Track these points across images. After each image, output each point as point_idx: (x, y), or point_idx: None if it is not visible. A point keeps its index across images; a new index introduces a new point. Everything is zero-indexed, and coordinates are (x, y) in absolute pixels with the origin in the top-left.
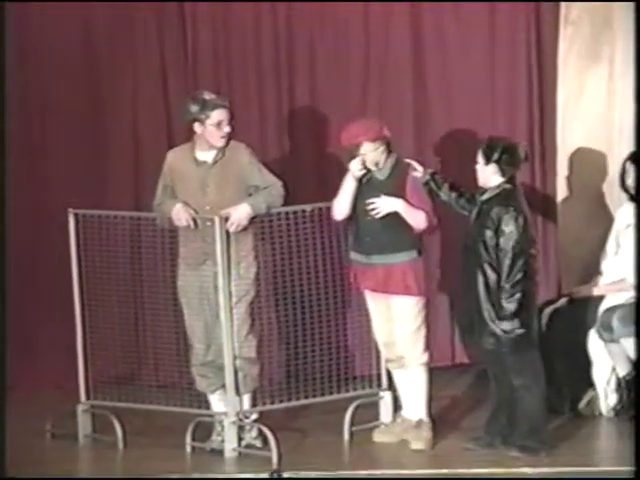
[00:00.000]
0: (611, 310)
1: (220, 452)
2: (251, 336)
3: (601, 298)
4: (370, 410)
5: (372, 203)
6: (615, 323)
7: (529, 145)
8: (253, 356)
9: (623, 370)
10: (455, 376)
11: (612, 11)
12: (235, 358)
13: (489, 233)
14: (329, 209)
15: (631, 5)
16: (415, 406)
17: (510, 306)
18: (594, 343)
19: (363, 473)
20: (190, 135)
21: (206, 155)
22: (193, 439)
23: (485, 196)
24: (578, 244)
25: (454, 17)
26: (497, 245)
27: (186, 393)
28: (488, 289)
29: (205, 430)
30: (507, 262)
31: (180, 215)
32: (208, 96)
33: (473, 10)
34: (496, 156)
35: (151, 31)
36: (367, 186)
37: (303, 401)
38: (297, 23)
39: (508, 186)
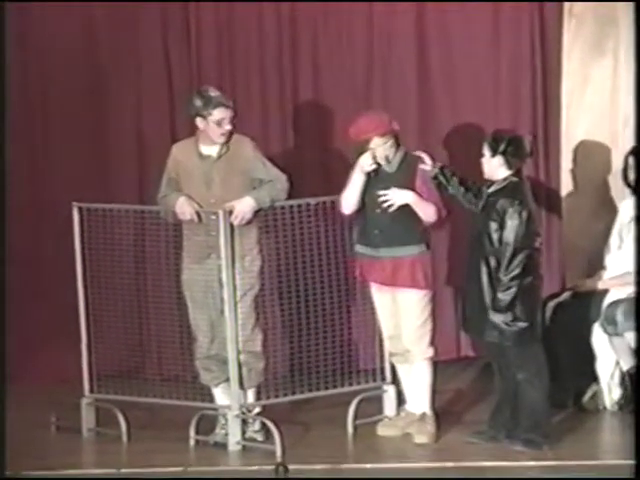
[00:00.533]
0: (615, 304)
1: (224, 445)
2: (257, 330)
3: (605, 292)
4: (374, 404)
5: (383, 195)
6: (619, 317)
7: (533, 139)
8: (258, 350)
9: (627, 364)
10: (459, 370)
11: (616, 4)
12: (239, 352)
13: (494, 225)
14: (333, 203)
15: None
16: (419, 400)
17: (505, 298)
18: (598, 337)
19: (367, 466)
20: (193, 129)
21: (210, 149)
22: (197, 432)
23: (492, 189)
24: (582, 237)
25: (458, 11)
26: (500, 238)
27: (190, 386)
28: (491, 281)
29: (209, 423)
30: (507, 255)
31: (184, 209)
32: (213, 93)
33: (477, 4)
34: (502, 148)
35: (155, 24)
36: (375, 180)
37: (307, 394)
38: (301, 17)
39: (515, 179)
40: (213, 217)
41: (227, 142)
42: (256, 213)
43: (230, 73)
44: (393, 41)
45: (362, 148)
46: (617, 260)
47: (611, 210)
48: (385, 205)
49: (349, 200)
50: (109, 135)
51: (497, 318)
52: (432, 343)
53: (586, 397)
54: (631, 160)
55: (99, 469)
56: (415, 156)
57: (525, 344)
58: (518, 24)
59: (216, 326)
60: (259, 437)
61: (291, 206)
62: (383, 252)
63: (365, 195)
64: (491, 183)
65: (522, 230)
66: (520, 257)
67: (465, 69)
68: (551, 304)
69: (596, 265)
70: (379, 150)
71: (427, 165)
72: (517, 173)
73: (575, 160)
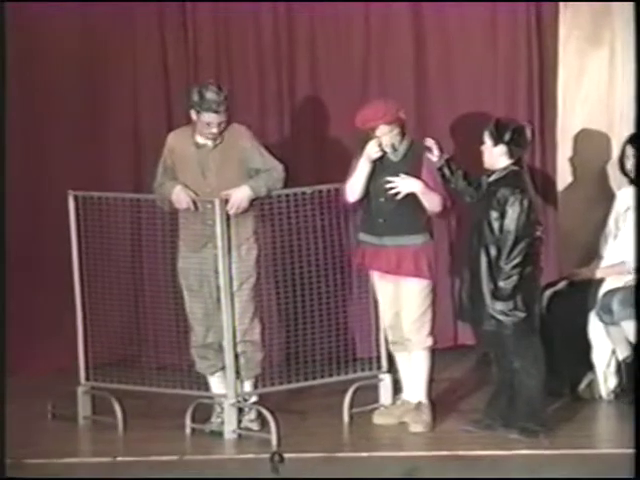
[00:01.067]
0: (611, 293)
1: (220, 434)
2: (256, 321)
3: (601, 281)
4: (370, 392)
5: (390, 182)
6: (615, 306)
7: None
8: (257, 339)
9: (623, 353)
10: (456, 358)
11: None
12: (236, 342)
13: (494, 214)
14: (329, 191)
15: None
16: (415, 389)
17: (506, 287)
18: (594, 326)
19: (362, 455)
20: (190, 118)
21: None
22: (193, 421)
23: (492, 177)
24: (578, 227)
25: (455, 1)
26: (501, 226)
27: (186, 375)
28: (491, 270)
29: (205, 412)
30: (509, 243)
31: (180, 198)
32: (210, 94)
33: None
34: (507, 137)
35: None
36: (381, 168)
37: (303, 383)
38: (298, 10)
39: (515, 168)
40: (209, 206)
41: (221, 133)
42: (252, 202)
43: (226, 60)
44: (390, 32)
45: (368, 136)
46: (613, 249)
47: (607, 200)
48: (391, 192)
49: (354, 188)
50: (105, 124)
51: (498, 306)
52: (431, 333)
53: (582, 386)
54: (628, 149)
55: (95, 457)
56: (422, 145)
57: (522, 333)
58: (514, 15)
59: (212, 315)
60: (255, 426)
61: (287, 195)
62: (387, 241)
63: (370, 183)
64: (491, 172)
65: (523, 218)
66: (521, 246)
67: (461, 59)
68: (547, 293)
69: (592, 254)
70: (385, 138)
71: (434, 156)
72: (518, 162)
73: (571, 150)
